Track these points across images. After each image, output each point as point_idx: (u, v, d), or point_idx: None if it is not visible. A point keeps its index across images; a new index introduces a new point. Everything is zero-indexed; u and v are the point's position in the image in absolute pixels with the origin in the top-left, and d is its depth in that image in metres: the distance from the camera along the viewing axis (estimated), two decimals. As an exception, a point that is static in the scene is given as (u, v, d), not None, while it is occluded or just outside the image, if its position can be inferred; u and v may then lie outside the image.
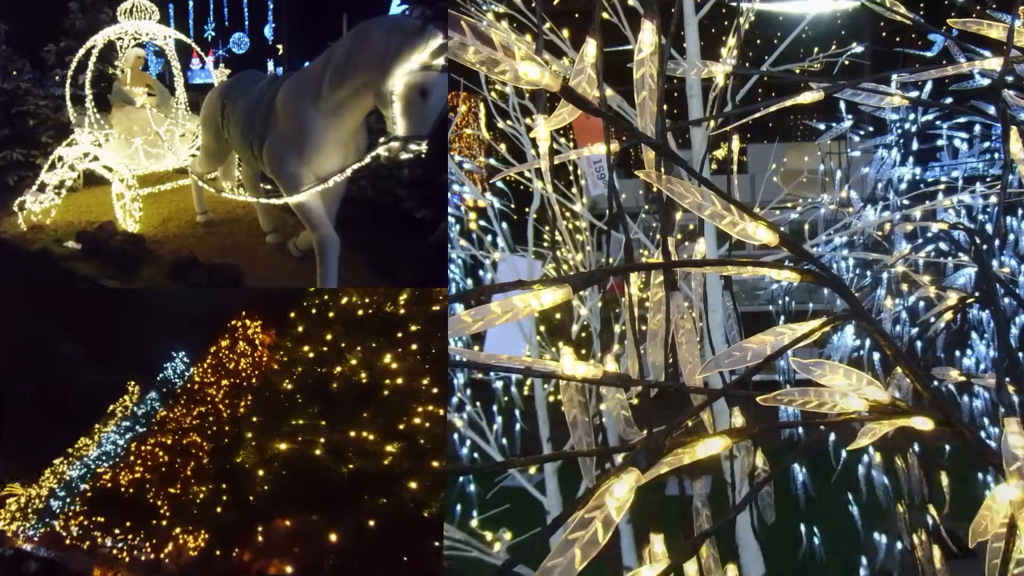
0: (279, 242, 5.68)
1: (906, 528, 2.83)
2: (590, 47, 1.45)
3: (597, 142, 1.74)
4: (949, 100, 3.45)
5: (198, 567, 7.55)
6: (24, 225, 6.27)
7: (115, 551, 8.89)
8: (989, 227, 4.69)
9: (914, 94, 3.99)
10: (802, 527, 5.39)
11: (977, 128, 6.00)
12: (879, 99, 1.98)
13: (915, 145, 5.83)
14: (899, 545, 4.29)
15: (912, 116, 5.66)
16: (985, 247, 2.54)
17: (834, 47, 4.74)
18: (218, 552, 6.85)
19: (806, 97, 1.82)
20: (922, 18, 2.09)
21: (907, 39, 4.90)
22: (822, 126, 5.98)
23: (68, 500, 10.37)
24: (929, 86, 4.69)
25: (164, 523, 8.16)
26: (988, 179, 5.72)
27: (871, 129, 6.24)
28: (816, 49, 4.68)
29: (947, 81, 2.55)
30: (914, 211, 4.94)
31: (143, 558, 8.50)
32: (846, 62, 4.70)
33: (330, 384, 5.98)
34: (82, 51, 6.26)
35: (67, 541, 9.73)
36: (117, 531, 8.84)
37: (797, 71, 4.47)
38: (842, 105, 5.44)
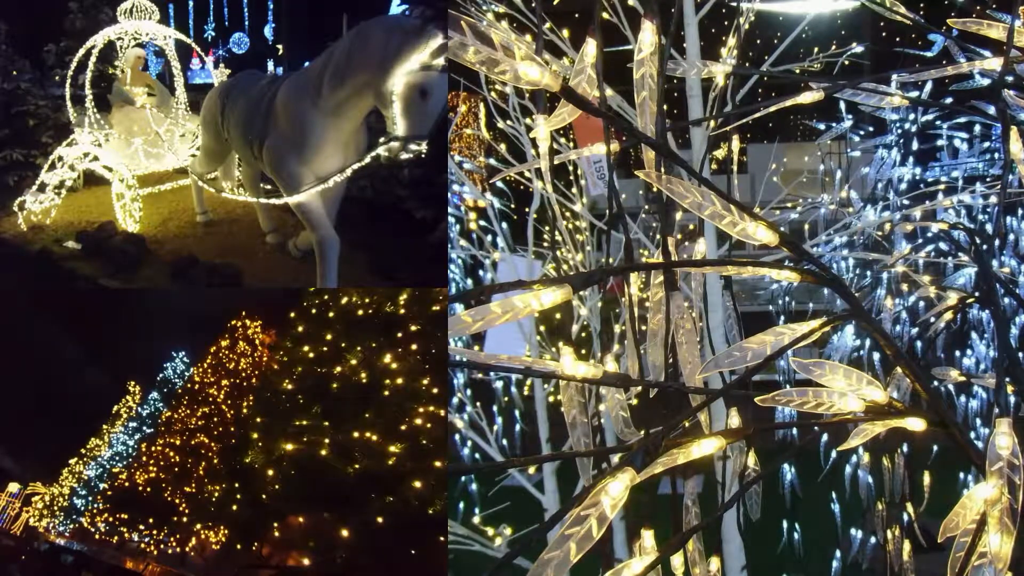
0: (279, 242, 5.68)
1: (881, 524, 2.87)
2: (590, 47, 1.45)
3: (597, 142, 1.74)
4: (949, 100, 3.45)
5: (220, 560, 7.69)
6: (24, 225, 6.27)
7: (143, 545, 9.08)
8: (989, 227, 4.70)
9: (914, 94, 3.99)
10: (784, 523, 5.48)
11: (977, 128, 6.00)
12: (879, 99, 1.98)
13: (915, 145, 5.83)
14: (873, 540, 4.35)
15: (912, 116, 5.66)
16: (985, 247, 2.54)
17: (834, 47, 4.74)
18: (238, 547, 6.96)
19: (806, 97, 1.83)
20: (922, 18, 2.09)
21: (907, 39, 4.89)
22: (822, 126, 5.98)
23: (91, 498, 10.56)
24: (929, 86, 4.69)
25: (185, 520, 8.29)
26: (988, 179, 5.71)
27: (871, 129, 6.23)
28: (816, 49, 4.68)
29: (947, 81, 2.55)
30: (914, 211, 4.94)
31: (169, 552, 8.68)
32: (846, 62, 4.70)
33: (331, 384, 5.99)
34: (82, 51, 6.26)
35: (96, 536, 9.92)
36: (142, 527, 9.02)
37: (797, 71, 4.47)
38: (842, 105, 5.45)
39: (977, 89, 2.80)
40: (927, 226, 3.98)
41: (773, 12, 5.24)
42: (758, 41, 5.44)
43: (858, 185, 6.11)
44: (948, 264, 5.18)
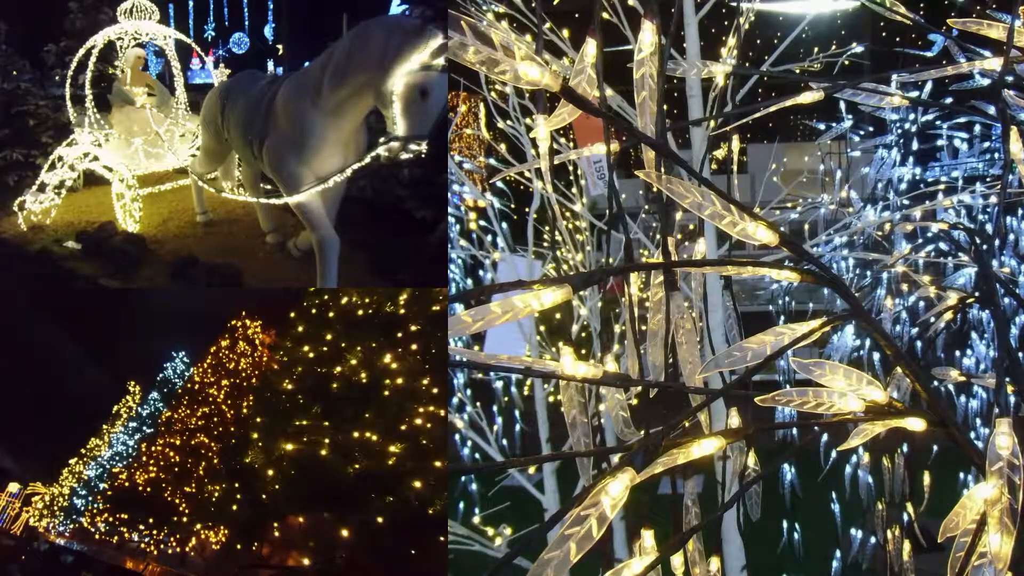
0: (279, 242, 5.68)
1: (881, 524, 2.88)
2: (590, 47, 1.45)
3: (597, 142, 1.74)
4: (949, 100, 3.45)
5: (220, 560, 7.70)
6: (24, 225, 6.27)
7: (143, 545, 9.07)
8: (989, 227, 4.70)
9: (914, 94, 3.99)
10: (784, 523, 5.49)
11: (977, 128, 6.00)
12: (879, 99, 1.98)
13: (915, 145, 5.83)
14: (873, 540, 4.36)
15: (912, 116, 5.66)
16: (985, 247, 2.54)
17: (834, 47, 4.74)
18: (238, 547, 6.96)
19: (806, 97, 1.83)
20: (922, 18, 2.09)
21: (907, 39, 4.89)
22: (822, 126, 5.98)
23: (91, 498, 10.56)
24: (929, 86, 4.69)
25: (185, 520, 8.29)
26: (988, 179, 5.71)
27: (871, 129, 6.23)
28: (816, 49, 4.68)
29: (947, 81, 2.55)
30: (914, 211, 4.94)
31: (169, 552, 8.67)
32: (846, 62, 4.70)
33: (331, 384, 5.99)
34: (82, 51, 6.26)
35: (96, 536, 9.92)
36: (142, 527, 9.01)
37: (797, 71, 4.47)
38: (842, 105, 5.45)
39: (977, 89, 2.80)
40: (927, 226, 3.99)
41: (773, 12, 5.24)
42: (758, 41, 5.44)
43: (858, 185, 6.11)
44: (948, 264, 5.18)
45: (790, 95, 1.83)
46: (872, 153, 6.13)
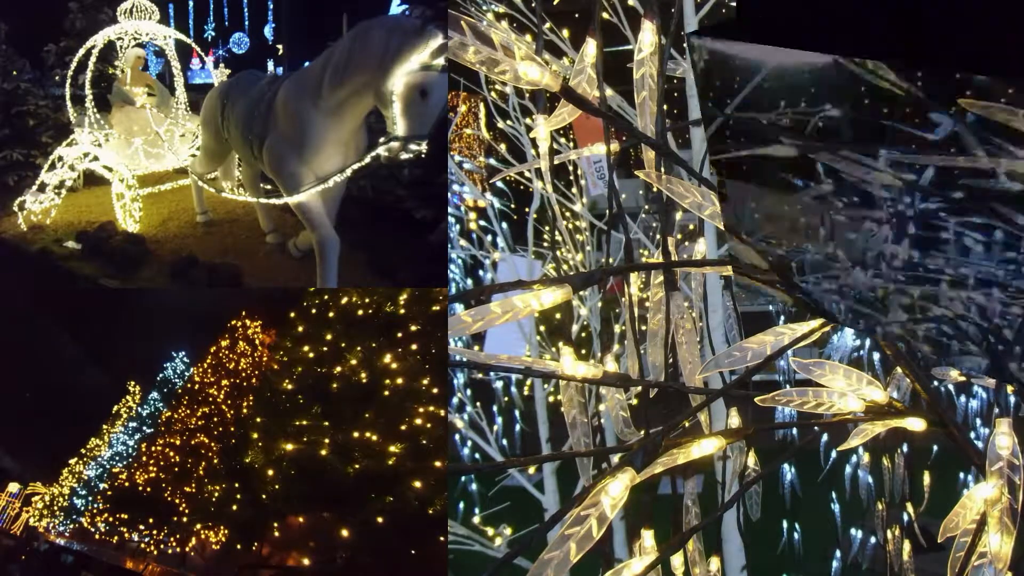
0: (279, 242, 5.68)
1: (881, 524, 2.87)
2: (590, 47, 1.45)
3: (597, 142, 1.74)
4: (958, 195, 3.25)
5: (220, 560, 7.71)
6: (24, 225, 6.27)
7: (143, 545, 9.08)
8: (1007, 332, 4.66)
9: (910, 177, 3.93)
10: (784, 523, 5.49)
11: (999, 234, 5.81)
12: (865, 171, 1.77)
13: (912, 229, 5.73)
14: (873, 540, 4.34)
15: (908, 200, 5.55)
16: (1002, 348, 2.51)
17: (804, 104, 4.66)
18: (238, 547, 6.97)
19: (776, 151, 1.73)
20: (921, 91, 1.76)
21: (899, 111, 4.76)
22: (800, 183, 5.92)
23: (91, 498, 10.56)
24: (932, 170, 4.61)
25: (185, 520, 8.31)
26: (1010, 289, 5.57)
27: (856, 200, 6.13)
28: (783, 103, 4.60)
29: (956, 171, 2.34)
30: (911, 289, 4.88)
31: (169, 552, 8.68)
32: (819, 124, 4.63)
33: (331, 384, 5.99)
34: (82, 51, 6.26)
35: (96, 536, 9.93)
36: (142, 527, 9.02)
37: (764, 122, 4.44)
38: (820, 167, 5.38)
39: (999, 191, 2.49)
40: (928, 307, 3.96)
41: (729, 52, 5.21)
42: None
43: (845, 244, 6.07)
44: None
45: (761, 144, 1.74)
46: (858, 222, 6.05)
